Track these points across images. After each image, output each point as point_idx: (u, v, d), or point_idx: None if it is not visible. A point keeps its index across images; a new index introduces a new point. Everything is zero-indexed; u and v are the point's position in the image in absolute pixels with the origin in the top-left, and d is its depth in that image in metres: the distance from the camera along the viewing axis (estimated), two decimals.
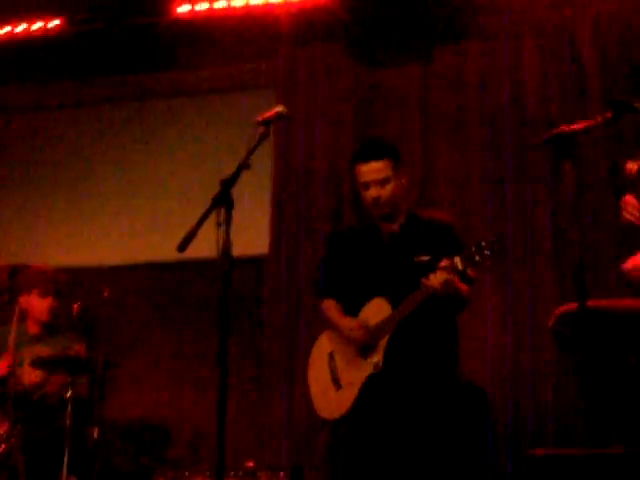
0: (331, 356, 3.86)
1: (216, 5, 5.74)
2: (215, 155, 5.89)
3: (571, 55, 5.29)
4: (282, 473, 4.45)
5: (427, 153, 5.41)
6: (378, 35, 5.58)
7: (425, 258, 3.58)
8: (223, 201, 3.13)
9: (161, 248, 5.79)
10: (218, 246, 3.12)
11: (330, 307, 3.93)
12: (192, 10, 5.78)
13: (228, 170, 5.40)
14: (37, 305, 4.86)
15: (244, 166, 3.20)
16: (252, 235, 5.43)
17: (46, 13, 5.74)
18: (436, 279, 3.50)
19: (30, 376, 4.79)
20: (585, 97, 5.24)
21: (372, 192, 3.80)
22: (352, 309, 3.83)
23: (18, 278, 4.41)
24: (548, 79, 5.36)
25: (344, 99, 5.61)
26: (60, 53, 5.98)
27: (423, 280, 3.54)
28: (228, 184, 3.15)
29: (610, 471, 2.99)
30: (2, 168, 6.35)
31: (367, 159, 3.82)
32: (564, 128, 3.01)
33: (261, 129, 3.28)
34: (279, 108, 3.38)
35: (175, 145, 6.10)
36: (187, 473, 4.59)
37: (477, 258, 3.47)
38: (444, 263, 3.49)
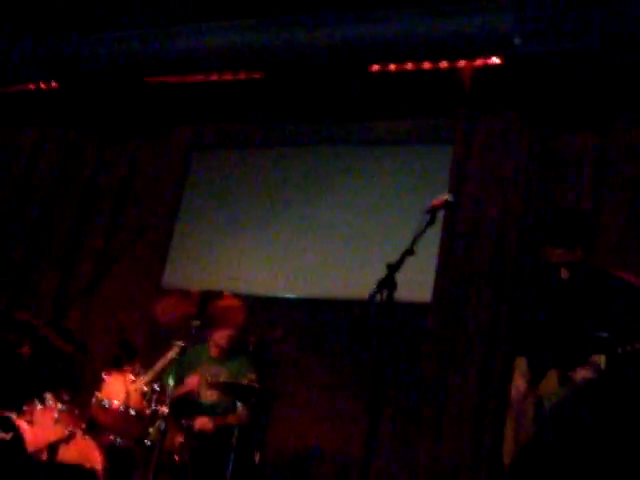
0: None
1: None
2: (391, 205, 6.25)
3: None
4: None
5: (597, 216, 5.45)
6: (555, 105, 5.73)
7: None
8: (387, 283, 3.41)
9: (328, 285, 6.24)
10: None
11: (519, 370, 4.08)
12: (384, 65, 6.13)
13: (398, 220, 5.85)
14: (220, 333, 5.42)
15: (409, 252, 3.47)
16: (417, 280, 5.71)
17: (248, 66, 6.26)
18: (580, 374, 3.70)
19: (206, 394, 5.35)
20: None
21: (563, 274, 3.96)
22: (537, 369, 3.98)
23: (207, 310, 4.83)
24: None
25: (516, 164, 5.78)
26: (259, 98, 6.56)
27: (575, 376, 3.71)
28: (393, 269, 3.43)
29: None
30: (197, 200, 6.89)
31: (556, 245, 3.95)
32: None
33: (428, 216, 3.57)
34: (447, 197, 3.63)
35: (356, 192, 6.43)
36: None
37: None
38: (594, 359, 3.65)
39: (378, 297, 3.45)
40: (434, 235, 5.58)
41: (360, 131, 6.59)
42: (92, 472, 4.54)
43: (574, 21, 5.18)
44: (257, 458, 4.89)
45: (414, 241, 3.47)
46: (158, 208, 6.71)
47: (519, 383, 4.03)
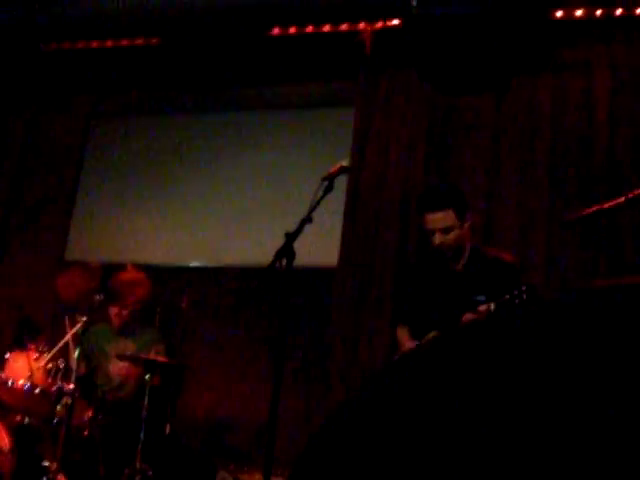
0: None
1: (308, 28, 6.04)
2: (294, 168, 6.24)
3: None
4: None
5: (493, 185, 5.58)
6: (454, 64, 5.78)
7: (481, 299, 3.89)
8: (285, 253, 3.43)
9: (232, 253, 6.22)
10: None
11: (400, 332, 4.33)
12: (284, 29, 6.10)
13: (306, 184, 5.83)
14: (124, 306, 5.31)
15: (307, 220, 3.49)
16: (324, 246, 5.75)
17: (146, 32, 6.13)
18: (470, 319, 3.82)
19: (115, 368, 5.28)
20: None
21: (436, 239, 4.08)
22: (420, 335, 4.14)
23: (111, 282, 4.77)
24: (617, 114, 5.47)
25: (418, 123, 5.83)
26: (158, 64, 6.42)
27: (463, 317, 3.86)
28: (291, 238, 3.45)
29: None
30: (98, 169, 6.75)
31: (432, 209, 4.07)
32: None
33: (325, 183, 3.59)
34: (344, 162, 3.66)
35: (258, 157, 6.40)
36: (246, 468, 5.01)
37: (516, 301, 3.65)
38: (483, 307, 3.80)
39: (277, 265, 3.48)
40: (340, 200, 5.64)
41: (261, 96, 6.54)
42: None
43: None
44: (167, 429, 4.88)
45: (311, 209, 3.50)
46: (59, 179, 6.55)
47: (408, 344, 4.18)
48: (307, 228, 3.51)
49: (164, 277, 5.86)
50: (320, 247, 5.65)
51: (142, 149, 6.66)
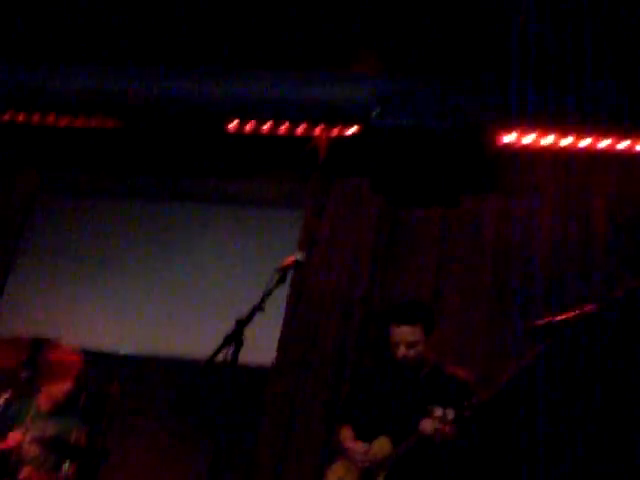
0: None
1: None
2: (240, 265, 6.25)
3: (585, 226, 5.60)
4: None
5: (437, 302, 5.64)
6: (405, 178, 5.91)
7: (436, 409, 3.86)
8: (234, 339, 3.36)
9: (171, 344, 6.10)
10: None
11: (344, 432, 4.28)
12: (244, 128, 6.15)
13: (245, 281, 5.81)
14: (55, 385, 5.08)
15: (258, 308, 3.45)
16: (261, 343, 5.67)
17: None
18: (429, 425, 3.85)
19: (30, 449, 5.00)
20: (593, 264, 5.51)
21: (401, 351, 4.17)
22: (364, 438, 4.13)
23: (41, 359, 4.56)
24: (559, 240, 5.64)
25: (365, 233, 5.92)
26: (110, 146, 6.38)
27: (419, 425, 3.87)
28: (242, 324, 3.39)
29: None
30: (39, 245, 6.65)
31: (400, 322, 4.18)
32: (548, 319, 3.34)
33: (278, 275, 3.56)
34: (298, 256, 3.65)
35: (204, 250, 6.41)
36: None
37: (466, 413, 3.82)
38: (438, 413, 3.79)
39: (221, 355, 3.41)
40: (280, 300, 5.59)
41: (215, 189, 6.58)
42: None
43: (427, 99, 5.42)
44: None
45: (263, 298, 3.47)
46: None
47: (352, 445, 4.14)
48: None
49: (94, 362, 5.66)
50: (257, 345, 5.57)
51: (87, 230, 6.62)
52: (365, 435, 4.15)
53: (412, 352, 4.17)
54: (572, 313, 3.60)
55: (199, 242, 6.43)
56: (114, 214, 6.65)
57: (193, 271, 6.32)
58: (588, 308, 3.93)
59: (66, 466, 4.65)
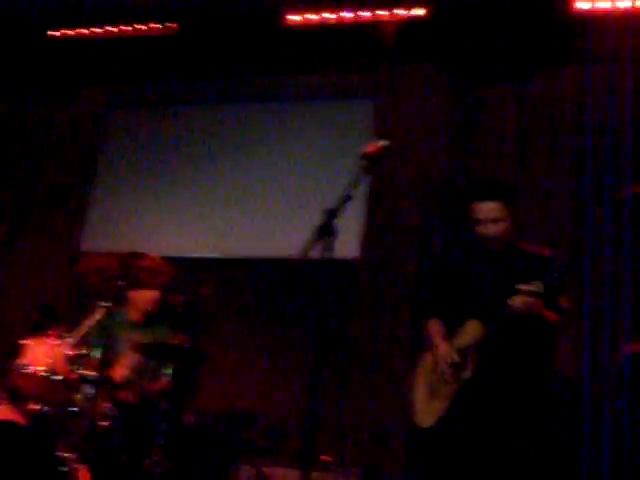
0: (431, 371, 4.09)
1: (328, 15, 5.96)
2: (312, 160, 6.20)
3: None
4: (357, 470, 4.69)
5: (519, 176, 5.54)
6: (476, 58, 5.74)
7: (525, 285, 3.80)
8: (326, 231, 3.32)
9: (253, 244, 6.14)
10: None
11: (432, 327, 4.18)
12: (304, 18, 6.03)
13: (322, 177, 5.78)
14: (143, 295, 5.17)
15: (348, 197, 3.39)
16: (344, 239, 5.66)
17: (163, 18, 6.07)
18: (517, 299, 3.76)
19: (127, 360, 5.07)
20: None
21: (484, 229, 4.05)
22: (455, 325, 4.08)
23: (131, 270, 4.63)
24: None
25: (438, 117, 5.80)
26: (173, 52, 6.34)
27: (507, 301, 3.79)
28: (332, 214, 3.34)
29: None
30: (114, 160, 6.69)
31: (483, 198, 4.06)
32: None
33: (365, 162, 3.49)
34: (384, 142, 3.57)
35: (279, 148, 6.35)
36: (269, 461, 4.88)
37: (556, 283, 3.73)
38: (525, 286, 3.73)
39: (312, 249, 3.36)
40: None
41: (284, 86, 6.46)
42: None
43: None
44: (190, 420, 4.76)
45: (352, 187, 3.38)
46: (73, 170, 6.47)
47: (440, 344, 4.08)
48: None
49: (185, 269, 5.74)
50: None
51: (160, 141, 6.59)
52: (454, 323, 4.09)
53: (496, 229, 4.03)
54: None
55: (274, 141, 6.37)
56: (183, 122, 6.62)
57: (271, 171, 6.29)
58: None
59: (166, 371, 4.73)
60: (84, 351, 4.49)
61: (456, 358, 3.97)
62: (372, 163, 3.49)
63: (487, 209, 4.03)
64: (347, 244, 5.61)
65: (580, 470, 4.57)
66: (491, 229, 4.03)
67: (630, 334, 4.78)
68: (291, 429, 5.48)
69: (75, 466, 4.21)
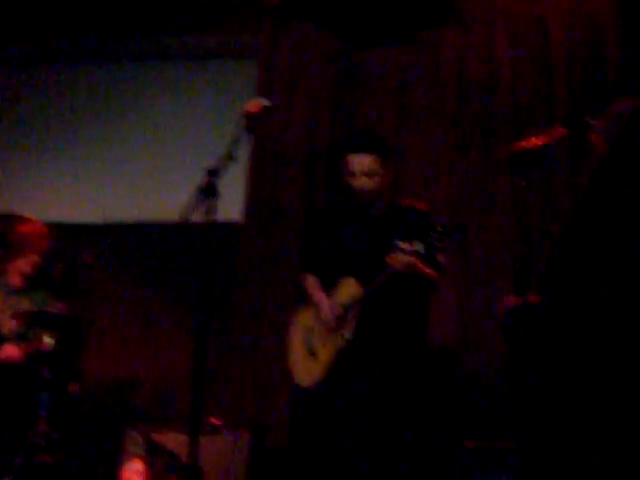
0: (308, 328, 4.07)
1: None
2: (195, 120, 6.11)
3: (542, 47, 5.51)
4: (244, 431, 4.66)
5: (401, 134, 5.58)
6: (359, 17, 5.74)
7: (402, 242, 3.79)
8: (208, 191, 3.27)
9: (141, 208, 6.03)
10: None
11: (310, 281, 4.17)
12: None
13: (205, 137, 5.72)
14: (24, 259, 4.98)
15: (229, 157, 3.34)
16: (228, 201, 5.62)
17: None
18: (397, 258, 3.73)
19: (8, 325, 4.94)
20: (552, 89, 5.47)
21: (358, 182, 3.97)
22: (329, 283, 4.04)
23: (9, 233, 4.47)
24: (519, 67, 5.56)
25: (323, 77, 5.76)
26: (48, 9, 6.10)
27: (386, 259, 3.77)
28: (214, 174, 3.28)
29: None
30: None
31: (357, 150, 3.96)
32: (522, 145, 3.27)
33: (246, 121, 3.44)
34: (264, 101, 3.52)
35: (163, 109, 6.25)
36: (158, 426, 4.83)
37: (437, 243, 3.65)
38: (405, 245, 3.69)
39: (194, 210, 3.29)
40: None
41: (167, 46, 6.31)
42: None
43: None
44: (75, 389, 4.65)
45: (233, 147, 3.33)
46: None
47: (318, 296, 4.07)
48: None
49: (65, 234, 5.59)
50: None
51: (41, 100, 6.40)
52: (330, 280, 4.05)
53: (370, 183, 3.96)
54: None
55: (157, 102, 6.26)
56: (65, 82, 6.42)
57: (153, 132, 6.18)
58: None
59: (47, 338, 4.60)
60: None
61: (342, 311, 3.93)
62: (253, 122, 3.45)
63: (360, 161, 3.95)
64: (231, 206, 5.60)
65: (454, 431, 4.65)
66: (365, 182, 3.98)
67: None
68: (180, 394, 5.44)
69: None
